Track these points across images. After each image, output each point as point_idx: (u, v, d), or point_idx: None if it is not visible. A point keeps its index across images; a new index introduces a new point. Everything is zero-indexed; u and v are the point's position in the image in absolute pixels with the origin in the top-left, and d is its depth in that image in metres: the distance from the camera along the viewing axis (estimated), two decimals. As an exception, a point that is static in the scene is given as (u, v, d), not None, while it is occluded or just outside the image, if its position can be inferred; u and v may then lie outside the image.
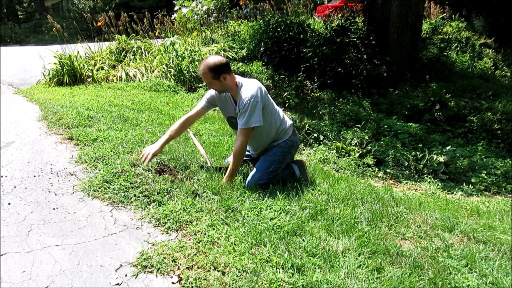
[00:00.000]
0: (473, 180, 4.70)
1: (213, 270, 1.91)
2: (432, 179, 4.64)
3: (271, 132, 2.97)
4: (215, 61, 2.74)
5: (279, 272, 1.90)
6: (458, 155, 5.40)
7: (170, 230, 2.27)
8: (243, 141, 2.81)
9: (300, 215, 2.50)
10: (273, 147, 3.02)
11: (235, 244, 2.12)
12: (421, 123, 6.79)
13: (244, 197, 2.67)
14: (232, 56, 8.37)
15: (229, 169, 2.89)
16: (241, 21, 10.67)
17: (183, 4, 10.38)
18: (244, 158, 3.08)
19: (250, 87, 2.78)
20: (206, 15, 10.34)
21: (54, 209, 2.45)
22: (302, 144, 5.28)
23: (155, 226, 2.32)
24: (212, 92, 3.00)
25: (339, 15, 10.06)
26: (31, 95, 5.93)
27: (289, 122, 3.10)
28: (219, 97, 2.98)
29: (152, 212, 2.44)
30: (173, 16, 10.40)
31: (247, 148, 3.07)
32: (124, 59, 8.41)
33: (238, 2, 12.55)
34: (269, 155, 3.00)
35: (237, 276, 1.86)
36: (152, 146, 3.01)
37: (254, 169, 2.98)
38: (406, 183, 4.55)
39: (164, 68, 7.61)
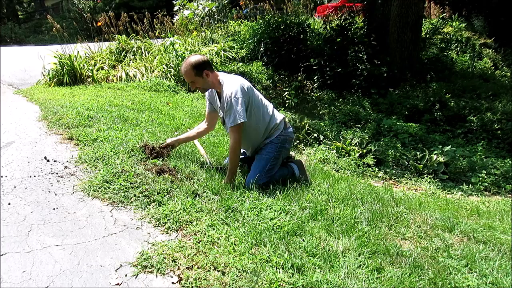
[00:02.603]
0: (473, 180, 4.70)
1: (213, 270, 1.91)
2: (432, 179, 4.64)
3: (259, 128, 2.96)
4: (197, 59, 2.80)
5: (279, 272, 1.90)
6: (458, 155, 5.40)
7: (170, 230, 2.27)
8: (235, 138, 2.83)
9: (300, 215, 2.50)
10: (266, 145, 3.01)
11: (235, 244, 2.12)
12: (421, 123, 6.79)
13: (244, 197, 2.67)
14: (232, 56, 8.37)
15: (228, 169, 2.90)
16: (241, 21, 10.68)
17: (183, 4, 10.37)
18: (241, 157, 3.08)
19: (231, 85, 2.80)
20: (207, 17, 10.33)
21: (54, 209, 2.45)
22: (302, 144, 5.28)
23: (155, 226, 2.32)
24: (206, 93, 3.08)
25: (339, 15, 10.06)
26: (31, 95, 5.93)
27: (280, 117, 3.08)
28: (210, 96, 3.04)
29: (152, 212, 2.44)
30: (175, 18, 10.40)
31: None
32: (124, 59, 8.40)
33: (238, 2, 12.55)
34: (263, 153, 3.00)
35: (237, 276, 1.87)
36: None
37: (251, 169, 2.97)
38: (406, 183, 4.55)
39: (164, 68, 7.61)
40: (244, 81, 2.89)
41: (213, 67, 2.89)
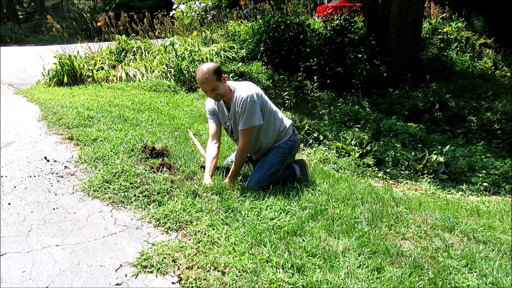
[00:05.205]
0: (473, 180, 4.70)
1: (213, 270, 1.91)
2: (432, 179, 4.64)
3: (269, 132, 2.94)
4: (215, 64, 2.71)
5: (279, 272, 1.90)
6: (458, 155, 5.40)
7: (170, 230, 2.27)
8: (246, 142, 2.80)
9: (300, 215, 2.50)
10: (274, 148, 3.00)
11: (235, 244, 2.12)
12: (421, 123, 6.79)
13: (244, 197, 2.67)
14: (232, 56, 8.37)
15: (231, 170, 2.89)
16: (241, 21, 10.67)
17: (181, 1, 10.36)
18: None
19: (245, 89, 2.75)
20: (203, 12, 10.31)
21: (54, 209, 2.45)
22: (302, 144, 5.27)
23: (155, 226, 2.32)
24: (208, 106, 2.97)
25: (339, 15, 10.05)
26: (31, 95, 5.93)
27: (288, 121, 3.08)
28: (217, 106, 2.94)
29: (152, 212, 2.44)
30: (171, 13, 10.37)
31: None
32: (124, 59, 8.41)
33: (238, 2, 12.53)
34: (270, 156, 2.98)
35: (237, 276, 1.87)
36: (205, 180, 2.87)
37: (255, 170, 2.96)
38: (406, 183, 4.55)
39: (164, 68, 7.61)
40: (256, 86, 2.85)
41: None
